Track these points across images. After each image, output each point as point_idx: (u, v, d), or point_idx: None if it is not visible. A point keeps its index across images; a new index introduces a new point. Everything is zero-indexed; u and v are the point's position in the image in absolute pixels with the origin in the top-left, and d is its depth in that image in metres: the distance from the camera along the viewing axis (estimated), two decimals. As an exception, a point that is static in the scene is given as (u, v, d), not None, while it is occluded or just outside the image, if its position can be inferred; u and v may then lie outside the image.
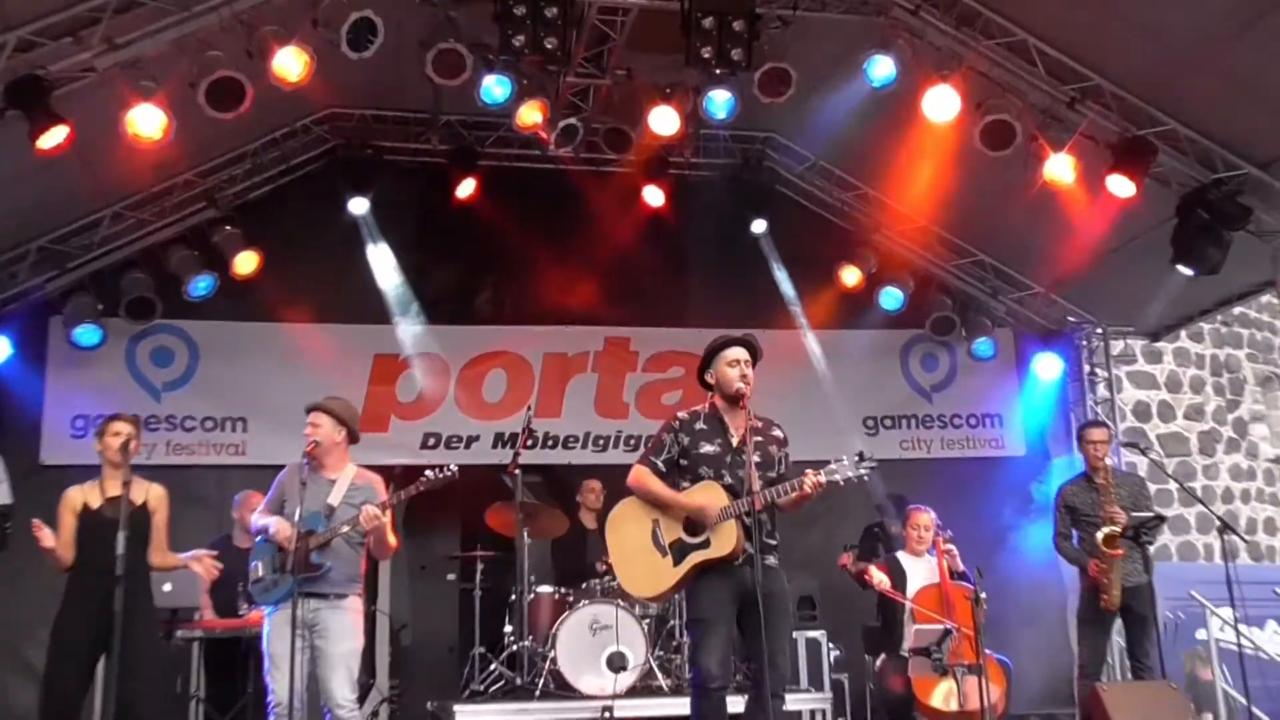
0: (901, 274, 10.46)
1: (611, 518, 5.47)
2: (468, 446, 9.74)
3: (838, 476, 5.15)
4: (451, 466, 5.94)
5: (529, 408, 8.78)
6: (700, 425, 5.36)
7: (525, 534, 8.04)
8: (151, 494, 6.12)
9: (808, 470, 5.11)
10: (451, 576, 9.95)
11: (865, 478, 5.15)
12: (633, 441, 9.79)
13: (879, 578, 7.43)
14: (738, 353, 5.39)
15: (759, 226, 9.97)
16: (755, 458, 5.15)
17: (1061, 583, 9.54)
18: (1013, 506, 10.16)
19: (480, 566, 8.39)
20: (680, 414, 5.45)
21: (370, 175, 9.21)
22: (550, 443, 9.98)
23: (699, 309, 10.07)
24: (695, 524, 5.21)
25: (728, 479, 5.24)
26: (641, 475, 5.37)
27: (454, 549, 9.38)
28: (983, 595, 6.83)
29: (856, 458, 5.17)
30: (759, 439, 5.29)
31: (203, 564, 6.12)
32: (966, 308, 10.68)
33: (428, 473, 5.90)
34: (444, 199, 9.48)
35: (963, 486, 10.05)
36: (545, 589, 8.14)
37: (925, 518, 7.68)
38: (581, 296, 9.97)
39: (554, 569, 8.81)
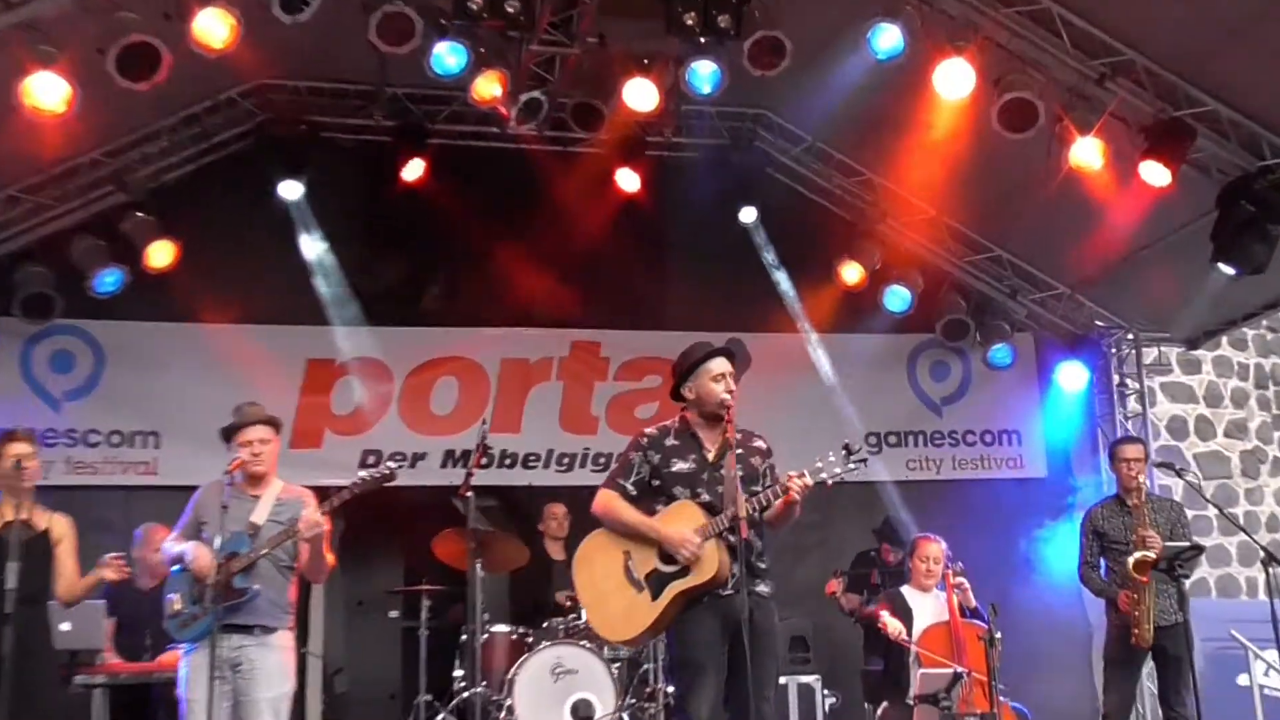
0: (909, 271, 10.58)
1: (579, 555, 5.53)
2: (413, 465, 9.82)
3: (825, 475, 5.21)
4: (389, 466, 6.03)
5: (484, 421, 8.72)
6: (671, 441, 5.44)
7: (478, 566, 7.98)
8: (56, 523, 6.18)
9: (791, 473, 5.20)
10: (394, 614, 9.94)
11: (856, 474, 5.33)
12: (602, 460, 9.92)
13: (895, 626, 7.44)
14: (723, 365, 5.46)
15: (748, 216, 10.09)
16: (737, 471, 5.22)
17: (1086, 621, 9.66)
18: (1032, 534, 10.27)
19: (427, 602, 8.41)
20: (648, 430, 5.53)
21: (304, 155, 9.24)
22: (508, 461, 10.09)
23: (679, 310, 10.18)
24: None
25: (705, 496, 5.31)
26: (609, 501, 5.43)
27: (397, 582, 9.41)
28: (997, 635, 6.93)
29: (844, 452, 5.24)
30: (739, 451, 5.34)
31: (112, 567, 6.13)
32: (982, 310, 10.83)
33: (361, 474, 5.97)
34: (388, 183, 9.52)
35: (976, 512, 10.19)
36: (501, 628, 8.18)
37: (934, 548, 7.75)
38: (545, 295, 10.04)
39: (511, 605, 8.88)
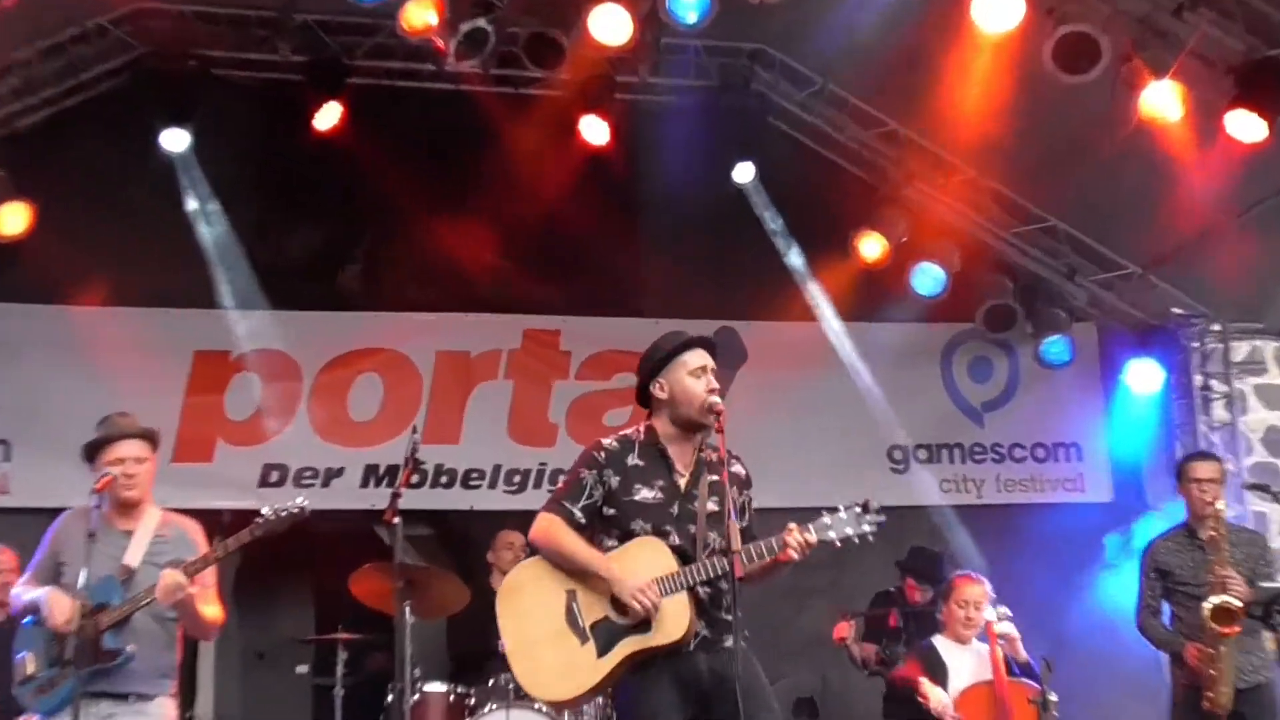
0: (943, 245, 10.64)
1: (508, 584, 5.55)
2: (326, 484, 9.97)
3: (832, 534, 5.26)
4: (300, 502, 6.09)
5: (414, 429, 8.30)
6: (635, 460, 5.45)
7: (407, 609, 7.80)
8: None
9: (792, 525, 5.21)
10: (302, 669, 9.97)
11: (870, 537, 5.29)
12: (561, 478, 9.62)
13: (939, 699, 7.44)
14: (703, 358, 5.48)
15: (744, 174, 10.23)
16: (712, 504, 5.28)
17: (1162, 678, 9.32)
18: (1094, 573, 10.42)
19: (343, 654, 8.49)
20: (606, 442, 5.52)
21: (192, 97, 9.30)
22: (445, 479, 10.23)
23: (658, 292, 10.33)
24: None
25: (674, 537, 5.33)
26: (551, 528, 5.42)
27: (306, 629, 9.50)
28: (1052, 698, 6.99)
29: (858, 509, 5.29)
30: (715, 478, 5.36)
31: None
32: (1033, 294, 10.89)
33: (265, 510, 6.02)
34: (296, 132, 9.54)
35: (1025, 545, 10.26)
36: (436, 686, 8.23)
37: (975, 591, 7.79)
38: (491, 272, 10.19)
39: (449, 658, 8.97)
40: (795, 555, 5.16)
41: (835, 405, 10.72)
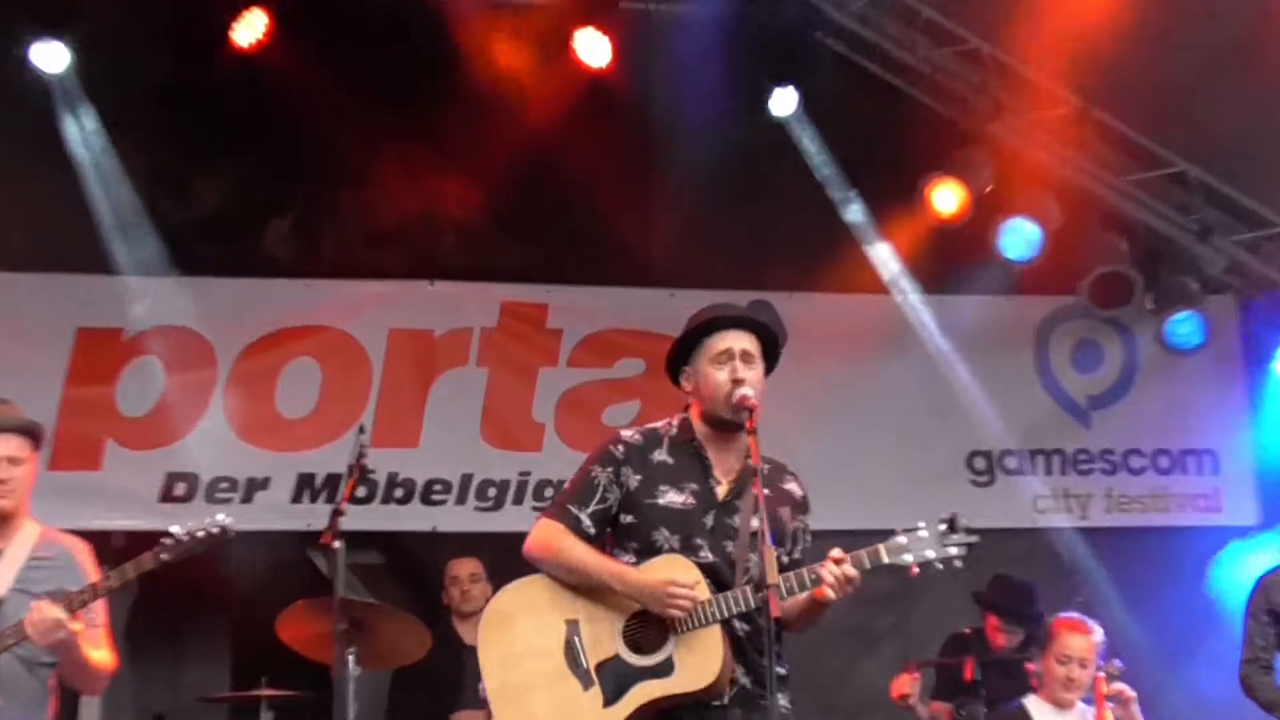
0: (1038, 196, 10.56)
1: (491, 612, 5.58)
2: (248, 498, 9.96)
3: (908, 557, 5.23)
4: (221, 520, 6.13)
5: (361, 429, 8.11)
6: (662, 457, 5.51)
7: (351, 659, 7.54)
8: None
9: (836, 552, 5.21)
10: (216, 733, 9.50)
11: (957, 562, 5.26)
12: (549, 491, 10.02)
13: None
14: (732, 339, 5.47)
15: (784, 104, 10.20)
16: (760, 519, 5.12)
17: None
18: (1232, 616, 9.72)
19: (269, 715, 8.49)
20: (626, 434, 5.60)
21: (74, 2, 9.10)
22: (400, 492, 10.23)
23: (672, 253, 10.35)
24: (647, 629, 5.31)
25: (705, 553, 5.34)
26: (550, 536, 5.47)
27: (222, 684, 9.56)
28: (1176, 776, 6.64)
29: (943, 526, 5.26)
30: (766, 491, 5.24)
31: None
32: (1155, 258, 10.82)
33: (176, 530, 6.00)
34: (210, 48, 9.52)
35: (1145, 580, 10.29)
36: (388, 757, 7.79)
37: (1081, 642, 7.68)
38: (460, 229, 10.25)
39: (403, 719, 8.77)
40: (832, 594, 5.12)
41: (900, 401, 10.74)
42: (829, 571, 5.09)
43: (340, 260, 10.36)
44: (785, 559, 5.29)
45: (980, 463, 10.93)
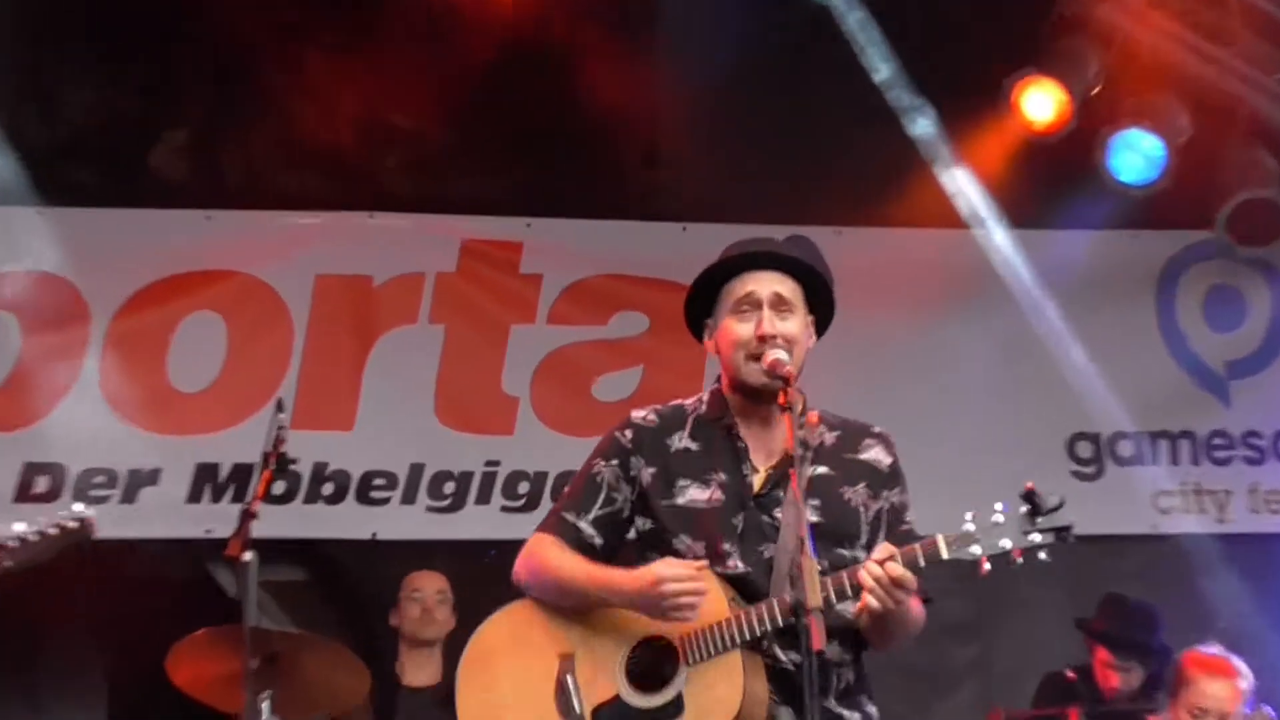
0: (1161, 99, 9.71)
1: (472, 653, 5.37)
2: (130, 496, 9.29)
3: (976, 549, 4.79)
4: (80, 511, 5.80)
5: (279, 405, 7.56)
6: (683, 442, 5.26)
7: (265, 706, 7.04)
8: None
9: (886, 547, 4.76)
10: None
11: (1042, 553, 4.79)
12: (524, 489, 9.62)
13: None
14: (759, 281, 5.11)
15: None
16: (813, 515, 4.89)
17: None
18: None
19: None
20: (638, 415, 5.36)
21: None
22: (330, 488, 9.53)
23: (684, 177, 9.83)
24: (654, 657, 5.03)
25: (735, 561, 5.04)
26: (537, 552, 5.27)
27: None
28: None
29: (1025, 507, 4.79)
30: (824, 470, 5.13)
31: None
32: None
33: (19, 529, 5.63)
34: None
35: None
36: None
37: (1220, 689, 7.31)
38: (408, 144, 9.77)
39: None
40: (877, 604, 4.76)
41: (979, 368, 10.03)
42: (869, 574, 4.73)
43: (251, 186, 9.72)
44: (854, 553, 5.01)
45: (1085, 449, 10.03)
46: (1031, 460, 9.83)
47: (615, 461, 5.23)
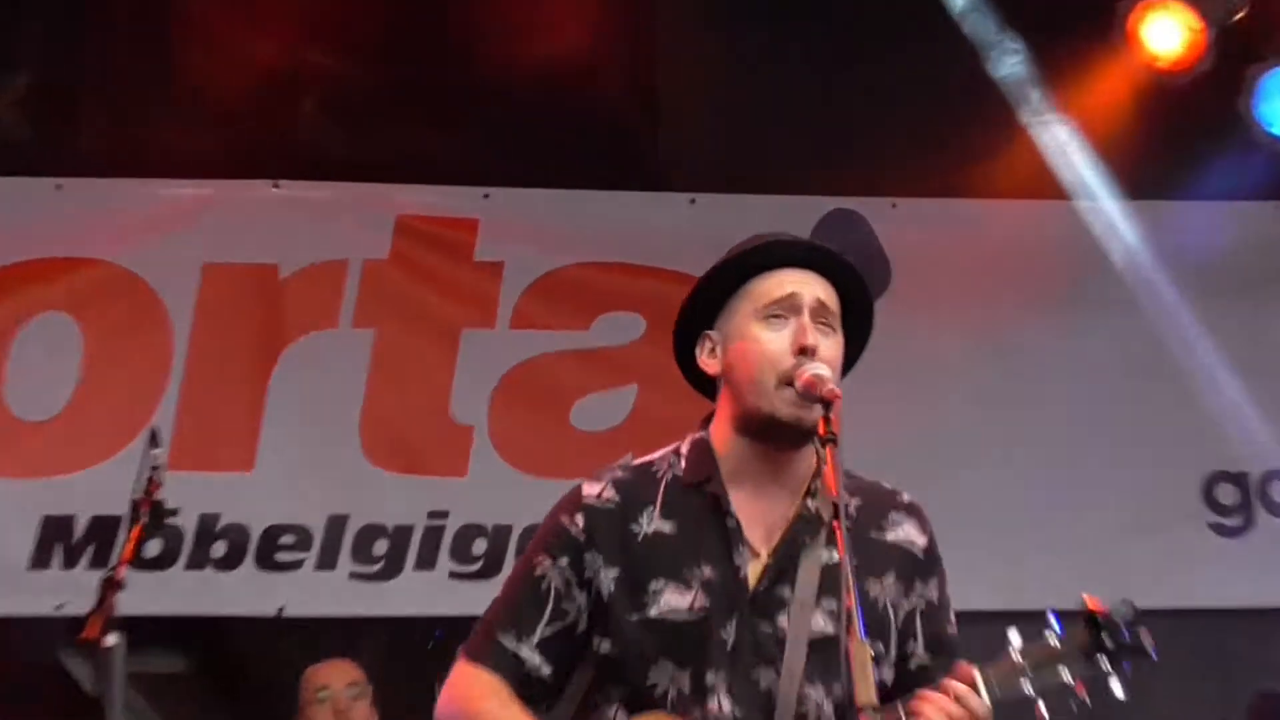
0: None
1: None
2: None
3: (1027, 687, 3.92)
4: None
5: (154, 437, 6.40)
6: (652, 525, 4.35)
7: None
8: None
9: (931, 688, 3.96)
10: None
11: (1116, 685, 3.90)
12: (479, 544, 8.63)
13: None
14: (798, 282, 4.26)
15: None
16: (823, 620, 4.14)
17: None
18: None
19: None
20: (591, 491, 4.38)
21: None
22: (221, 547, 8.59)
23: (690, 137, 9.23)
24: None
25: (721, 699, 4.12)
26: (464, 699, 4.41)
27: None
28: None
29: (1127, 614, 4.00)
30: (832, 558, 4.47)
31: None
32: None
33: None
34: None
35: None
36: None
37: None
38: (327, 93, 9.08)
39: None
40: None
41: (1085, 383, 8.96)
42: (936, 707, 3.92)
43: (118, 147, 8.87)
44: (886, 663, 4.36)
45: (1228, 493, 8.91)
46: (1154, 510, 9.05)
47: (565, 560, 4.34)
